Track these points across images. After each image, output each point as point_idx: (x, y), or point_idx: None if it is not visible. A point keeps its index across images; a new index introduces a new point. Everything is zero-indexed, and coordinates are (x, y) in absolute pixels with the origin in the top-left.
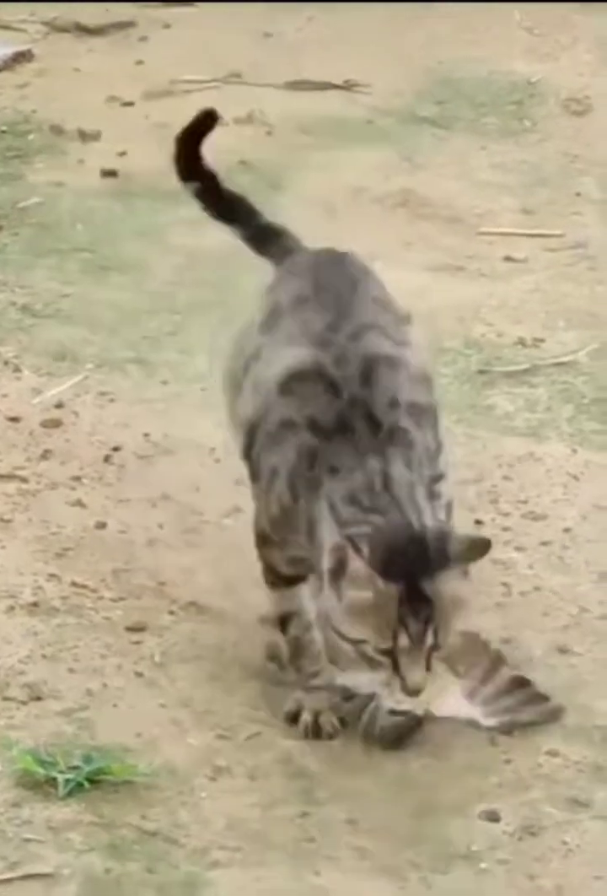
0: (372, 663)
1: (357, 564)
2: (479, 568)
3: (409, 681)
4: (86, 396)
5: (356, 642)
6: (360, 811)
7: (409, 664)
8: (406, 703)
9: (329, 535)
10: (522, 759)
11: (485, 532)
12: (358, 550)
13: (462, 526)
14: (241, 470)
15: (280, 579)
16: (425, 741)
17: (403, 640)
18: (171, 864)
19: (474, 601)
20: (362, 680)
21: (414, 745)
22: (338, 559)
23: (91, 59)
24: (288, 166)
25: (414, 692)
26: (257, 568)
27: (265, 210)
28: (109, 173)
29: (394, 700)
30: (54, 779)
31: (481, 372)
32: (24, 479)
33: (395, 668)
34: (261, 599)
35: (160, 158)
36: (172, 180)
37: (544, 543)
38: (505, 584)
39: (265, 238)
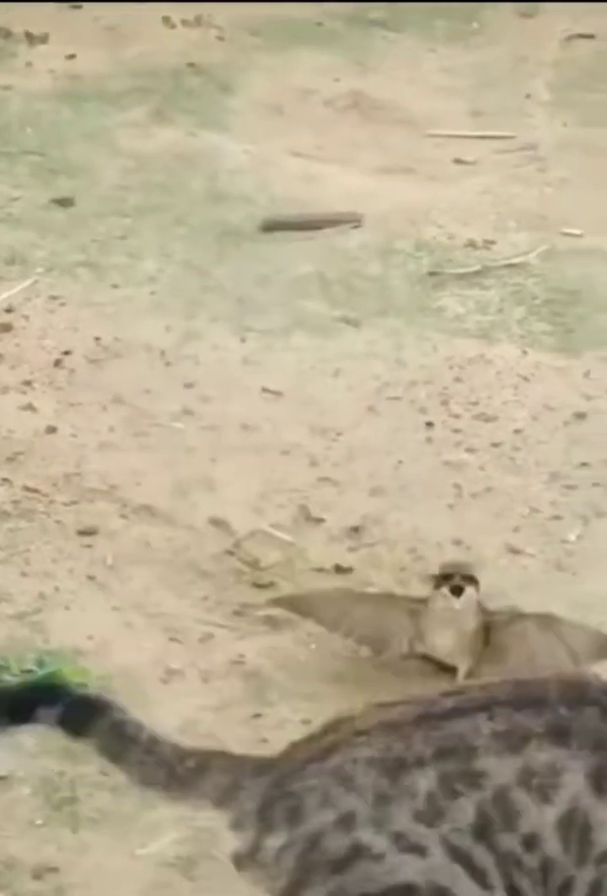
0: None
1: None
2: (429, 468)
3: None
4: (36, 300)
5: None
6: (315, 713)
7: None
8: None
9: None
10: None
11: (436, 435)
12: None
13: (413, 426)
14: (192, 373)
15: None
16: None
17: None
18: None
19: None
20: None
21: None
22: None
23: None
24: (237, 68)
25: None
26: (208, 470)
27: (215, 111)
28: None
29: None
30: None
31: (432, 274)
32: None
33: None
34: (212, 501)
35: (109, 62)
36: (121, 83)
37: (495, 444)
38: (456, 486)
39: None
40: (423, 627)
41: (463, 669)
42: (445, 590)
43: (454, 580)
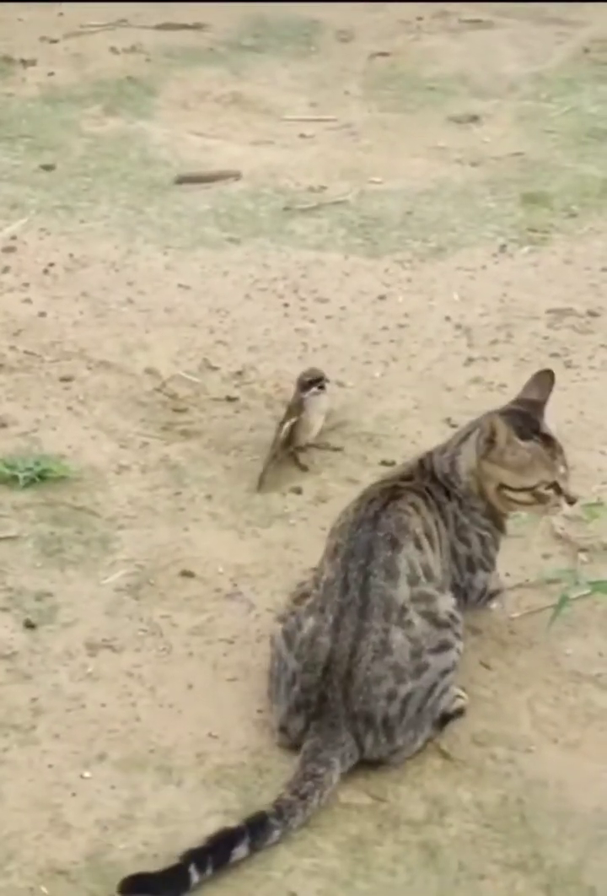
0: (541, 499)
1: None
2: (286, 333)
3: (572, 494)
4: (30, 232)
5: (532, 488)
6: (214, 491)
7: (568, 484)
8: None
9: None
10: (316, 452)
11: (290, 312)
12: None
13: (275, 307)
14: (133, 275)
15: None
16: (249, 441)
17: (561, 469)
18: (93, 528)
19: (284, 355)
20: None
21: (247, 447)
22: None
23: (28, 11)
24: (158, 79)
25: (575, 501)
26: (144, 338)
27: (145, 108)
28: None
29: (561, 514)
30: (16, 476)
31: (286, 209)
32: None
33: (559, 491)
34: (147, 357)
35: (76, 76)
36: (84, 90)
37: (328, 317)
38: (303, 344)
39: None
40: (301, 418)
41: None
42: (316, 388)
43: (321, 382)
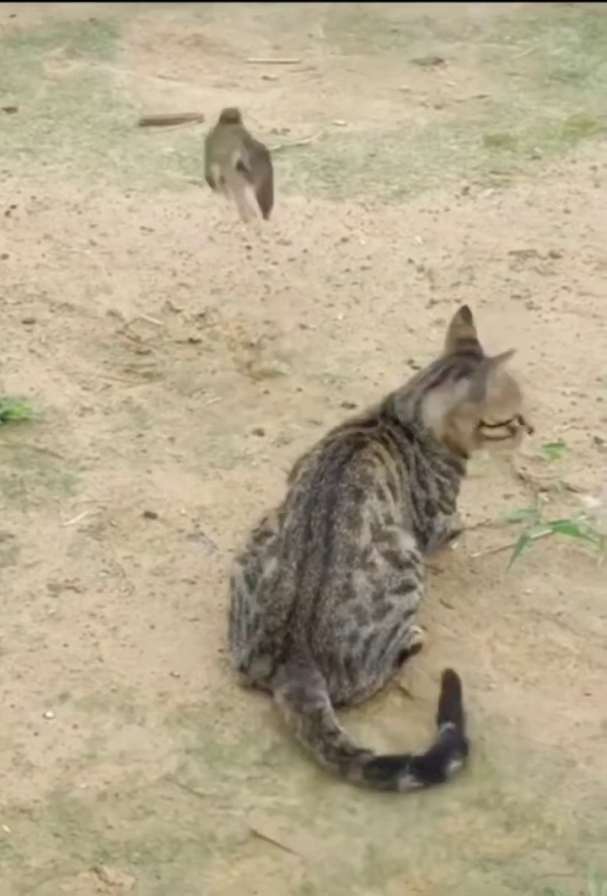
0: (514, 432)
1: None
2: (248, 276)
3: (531, 423)
4: None
5: (508, 421)
6: (176, 433)
7: (528, 415)
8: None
9: None
10: (278, 394)
11: (253, 254)
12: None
13: (237, 249)
14: (96, 218)
15: None
16: (212, 384)
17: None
18: (55, 470)
19: (246, 298)
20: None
21: (209, 389)
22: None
23: None
24: (122, 21)
25: (533, 431)
26: (106, 280)
27: (108, 50)
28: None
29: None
30: None
31: None
32: None
33: (523, 422)
34: (109, 300)
35: (38, 18)
36: (46, 32)
37: (290, 259)
38: (266, 286)
39: None
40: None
41: None
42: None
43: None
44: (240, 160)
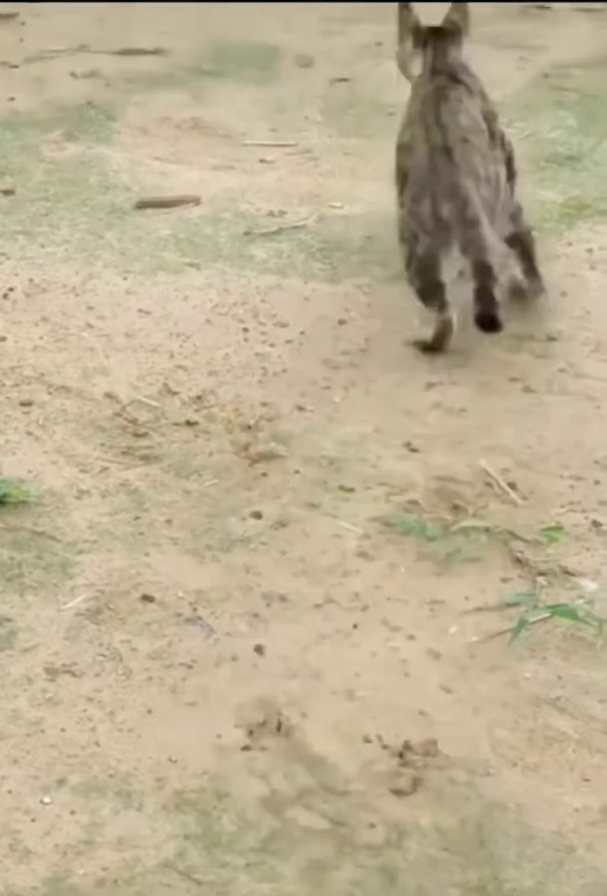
0: None
1: None
2: (246, 358)
3: None
4: None
5: None
6: (173, 515)
7: None
8: None
9: None
10: (276, 476)
11: (250, 336)
12: None
13: (235, 331)
14: (93, 300)
15: None
16: (209, 466)
17: None
18: (53, 553)
19: (244, 380)
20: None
21: (207, 472)
22: None
23: None
24: (118, 104)
25: None
26: (104, 362)
27: (105, 132)
28: (7, 192)
29: None
30: None
31: (246, 233)
32: None
33: None
34: (107, 382)
35: (36, 102)
36: (44, 115)
37: (288, 341)
38: (263, 368)
39: None
40: None
41: None
42: None
43: None
44: None
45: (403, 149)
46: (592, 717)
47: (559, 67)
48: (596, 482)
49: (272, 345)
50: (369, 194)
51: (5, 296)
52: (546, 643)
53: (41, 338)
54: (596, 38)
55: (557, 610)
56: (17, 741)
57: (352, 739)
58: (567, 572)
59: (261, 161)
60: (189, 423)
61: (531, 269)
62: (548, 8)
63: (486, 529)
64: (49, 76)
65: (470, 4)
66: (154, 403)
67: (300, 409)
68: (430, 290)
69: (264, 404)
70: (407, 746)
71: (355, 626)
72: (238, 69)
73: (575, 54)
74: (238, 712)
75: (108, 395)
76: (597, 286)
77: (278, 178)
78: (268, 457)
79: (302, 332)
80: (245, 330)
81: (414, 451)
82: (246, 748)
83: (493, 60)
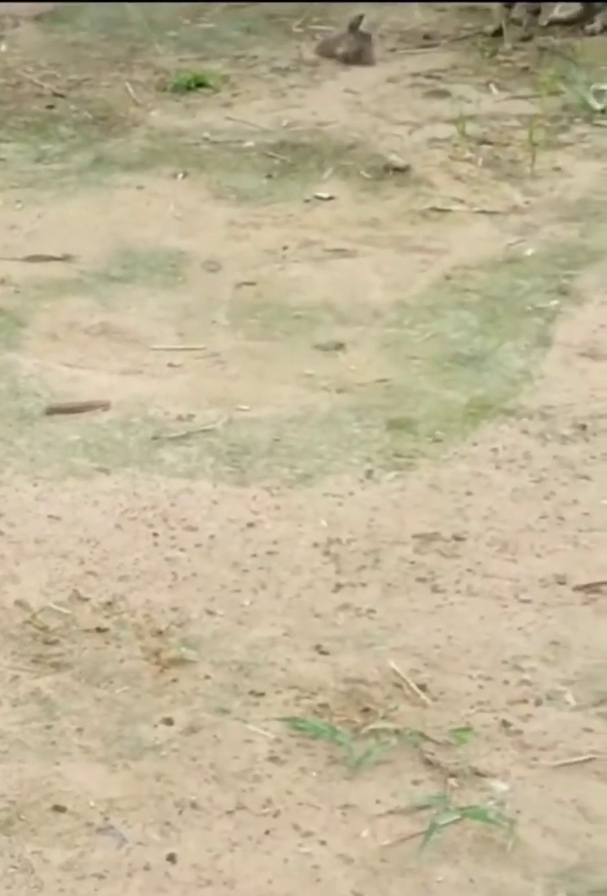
0: None
1: None
2: (156, 563)
3: None
4: None
5: None
6: (85, 723)
7: None
8: None
9: None
10: (187, 682)
11: (160, 541)
12: None
13: (145, 536)
14: (2, 507)
15: None
16: (120, 673)
17: None
18: None
19: (154, 585)
20: None
21: (117, 678)
22: None
23: None
24: (27, 311)
25: None
26: (14, 570)
27: (15, 339)
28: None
29: None
30: None
31: (155, 438)
32: None
33: None
34: (17, 589)
35: None
36: None
37: (197, 545)
38: (173, 573)
39: None
40: None
41: None
42: None
43: None
44: None
45: None
46: None
47: (460, 269)
48: (505, 682)
49: (182, 549)
50: (276, 397)
51: None
52: (458, 845)
53: None
54: (495, 239)
55: (468, 812)
56: None
57: None
58: (477, 773)
59: (170, 365)
60: (99, 630)
61: None
62: (449, 211)
63: (397, 731)
64: None
65: (374, 210)
66: (64, 610)
67: (210, 613)
68: None
69: (174, 609)
70: None
71: (267, 833)
72: (146, 274)
73: (476, 256)
74: None
75: (18, 603)
76: (502, 485)
77: (186, 381)
78: (179, 662)
79: (211, 536)
80: (155, 535)
81: (323, 653)
82: None
83: (396, 263)
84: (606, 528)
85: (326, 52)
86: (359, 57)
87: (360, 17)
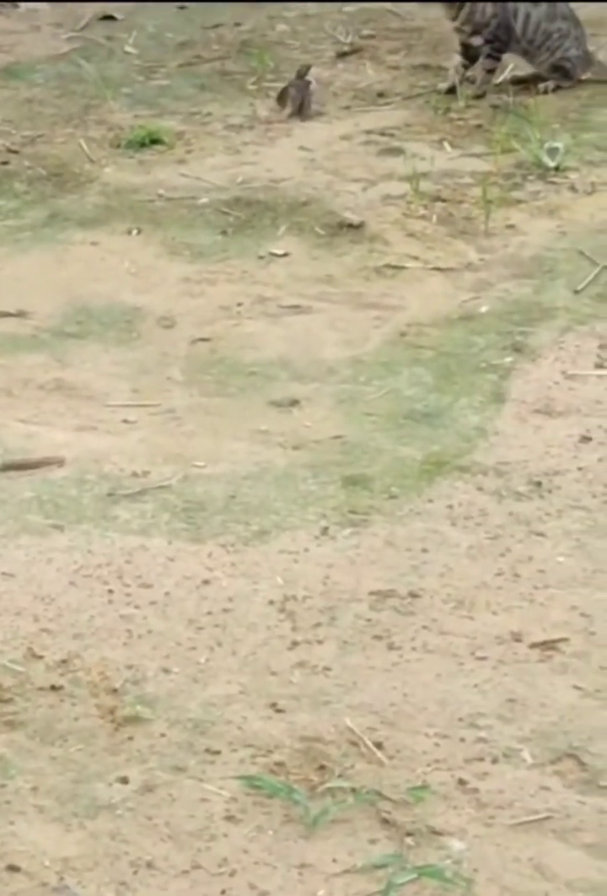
0: None
1: None
2: (111, 620)
3: None
4: None
5: None
6: (39, 782)
7: None
8: None
9: None
10: (142, 740)
11: (115, 598)
12: None
13: (100, 593)
14: None
15: None
16: (74, 731)
17: None
18: None
19: (109, 642)
20: None
21: (72, 737)
22: None
23: None
24: None
25: None
26: None
27: None
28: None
29: None
30: None
31: (110, 495)
32: None
33: None
34: None
35: None
36: None
37: (152, 602)
38: (128, 630)
39: None
40: None
41: None
42: None
43: None
44: None
45: None
46: None
47: (415, 326)
48: (462, 740)
49: (137, 606)
50: (231, 453)
51: None
52: None
53: None
54: (449, 296)
55: (425, 871)
56: None
57: None
58: (434, 832)
59: (125, 421)
60: (54, 688)
61: None
62: (404, 268)
63: (353, 790)
64: None
65: (328, 266)
66: (18, 668)
67: (165, 670)
68: None
69: (130, 667)
70: None
71: (223, 892)
72: (101, 330)
73: (431, 313)
74: None
75: None
76: (458, 542)
77: (141, 438)
78: (134, 720)
79: (166, 593)
80: (110, 592)
81: (279, 711)
82: None
83: (351, 320)
84: (561, 584)
85: (282, 100)
86: (300, 108)
87: (308, 67)
